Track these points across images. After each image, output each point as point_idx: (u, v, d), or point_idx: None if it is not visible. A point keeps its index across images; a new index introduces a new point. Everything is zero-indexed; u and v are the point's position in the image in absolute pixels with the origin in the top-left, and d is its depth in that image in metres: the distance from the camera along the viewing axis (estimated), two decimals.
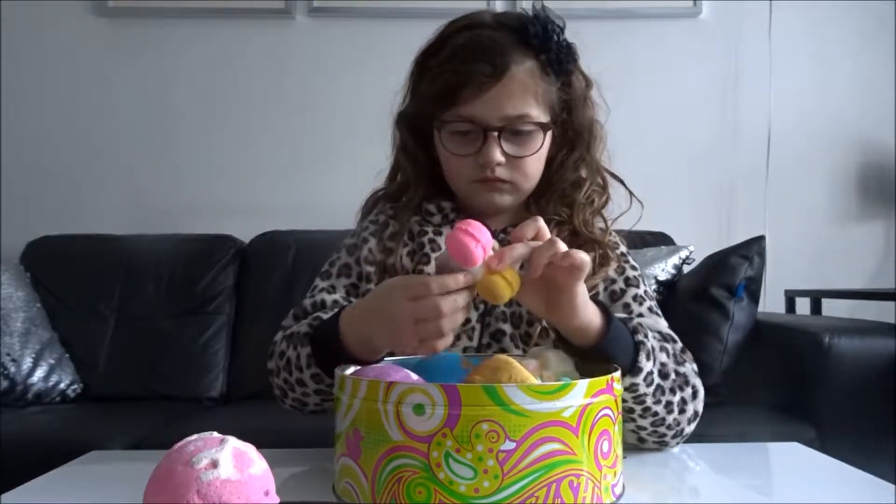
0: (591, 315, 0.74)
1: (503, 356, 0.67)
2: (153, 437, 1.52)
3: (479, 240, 0.66)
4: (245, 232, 2.20)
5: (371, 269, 0.94)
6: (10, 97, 2.31)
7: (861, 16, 2.38)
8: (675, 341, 0.88)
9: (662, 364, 0.80)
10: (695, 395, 0.84)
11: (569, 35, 0.93)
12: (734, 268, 1.75)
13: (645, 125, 2.31)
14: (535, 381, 0.65)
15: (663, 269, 1.90)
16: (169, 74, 2.36)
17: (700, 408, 0.85)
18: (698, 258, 1.93)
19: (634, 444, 0.86)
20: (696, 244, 1.99)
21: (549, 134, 0.92)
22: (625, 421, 0.82)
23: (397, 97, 0.99)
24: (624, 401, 0.77)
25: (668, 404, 0.81)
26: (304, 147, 2.35)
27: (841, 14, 2.38)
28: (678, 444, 0.87)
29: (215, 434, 0.55)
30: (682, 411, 0.83)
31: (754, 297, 1.77)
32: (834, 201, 2.40)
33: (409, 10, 2.27)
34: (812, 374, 1.57)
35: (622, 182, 0.98)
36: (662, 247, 1.99)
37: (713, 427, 1.50)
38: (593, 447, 0.61)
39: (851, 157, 2.39)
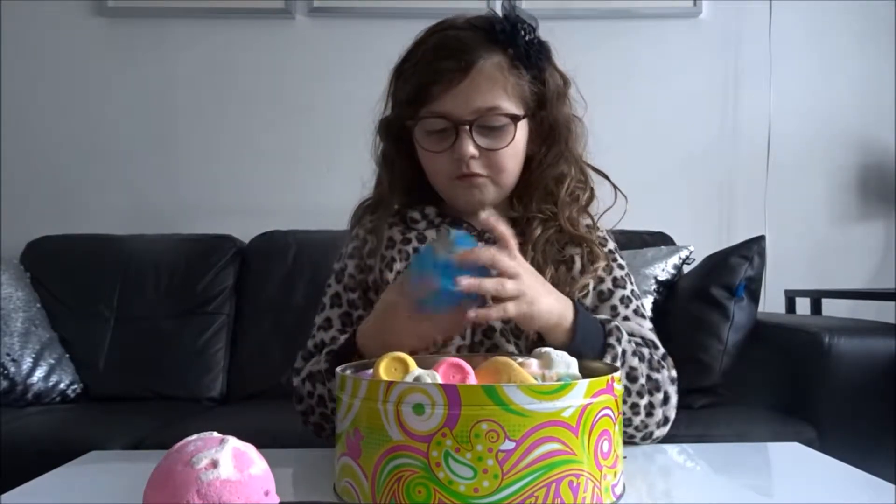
0: (556, 315, 0.79)
1: (503, 357, 0.68)
2: (153, 437, 1.52)
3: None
4: (245, 232, 2.19)
5: (354, 295, 0.97)
6: (10, 97, 2.31)
7: (861, 16, 2.38)
8: (656, 347, 0.91)
9: (632, 368, 0.83)
10: (665, 400, 0.87)
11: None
12: (734, 268, 1.74)
13: (645, 125, 2.32)
14: (533, 381, 0.66)
15: (663, 269, 1.89)
16: (169, 74, 2.36)
17: (671, 414, 0.88)
18: (698, 258, 1.93)
19: None
20: (696, 244, 1.99)
21: (524, 127, 0.93)
22: None
23: (379, 105, 0.99)
24: None
25: (635, 406, 0.84)
26: (303, 147, 2.35)
27: (841, 14, 2.38)
28: (647, 444, 0.90)
29: (215, 434, 0.55)
30: (649, 414, 0.86)
31: (754, 297, 1.76)
32: (834, 201, 2.40)
33: (409, 10, 2.27)
34: (812, 374, 1.57)
35: (605, 176, 0.99)
36: (662, 247, 1.99)
37: (713, 427, 1.52)
38: (593, 447, 0.61)
39: (851, 157, 2.39)
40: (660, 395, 0.86)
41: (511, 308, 0.75)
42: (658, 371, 0.87)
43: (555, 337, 0.80)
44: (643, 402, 0.85)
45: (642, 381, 0.84)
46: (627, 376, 0.83)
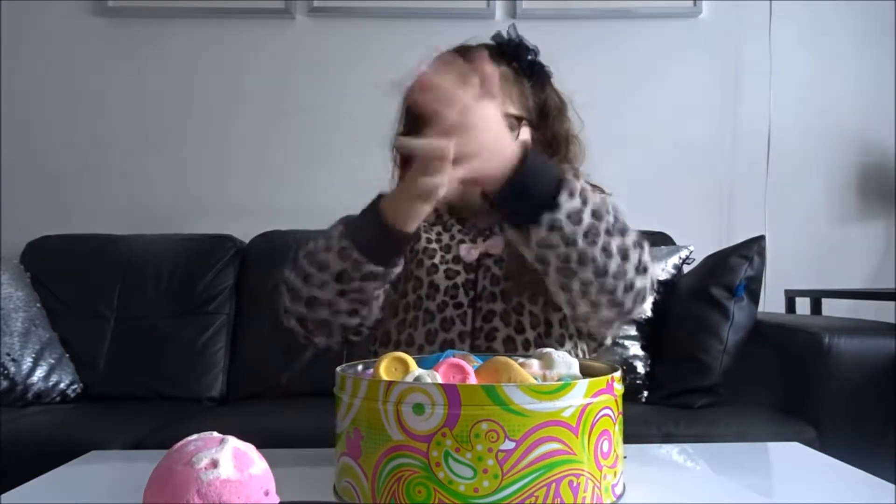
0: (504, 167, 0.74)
1: (503, 357, 0.68)
2: (153, 437, 1.52)
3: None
4: (245, 232, 2.19)
5: None
6: (10, 97, 2.31)
7: (861, 16, 2.38)
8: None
9: (596, 205, 0.77)
10: (639, 245, 0.82)
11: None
12: (734, 268, 1.75)
13: (645, 125, 2.32)
14: (533, 381, 0.66)
15: (663, 269, 1.90)
16: (169, 74, 2.36)
17: (649, 263, 0.83)
18: (698, 258, 1.93)
19: (589, 314, 0.84)
20: (696, 244, 1.99)
21: (527, 133, 0.98)
22: (569, 277, 0.79)
23: (382, 105, 1.01)
24: (555, 246, 0.76)
25: (606, 248, 0.78)
26: (304, 147, 2.35)
27: (841, 14, 2.38)
28: (635, 307, 0.85)
29: (215, 434, 0.55)
30: (625, 258, 0.80)
31: (754, 297, 1.76)
32: (834, 201, 2.40)
33: (409, 10, 2.27)
34: (812, 374, 1.57)
35: (603, 192, 1.00)
36: (662, 247, 1.99)
37: (713, 427, 1.52)
38: (593, 447, 0.61)
39: (851, 157, 2.39)
40: (631, 238, 0.81)
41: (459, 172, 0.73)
42: (627, 234, 0.81)
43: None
44: (615, 242, 0.78)
45: (611, 220, 0.78)
46: (593, 213, 0.76)
